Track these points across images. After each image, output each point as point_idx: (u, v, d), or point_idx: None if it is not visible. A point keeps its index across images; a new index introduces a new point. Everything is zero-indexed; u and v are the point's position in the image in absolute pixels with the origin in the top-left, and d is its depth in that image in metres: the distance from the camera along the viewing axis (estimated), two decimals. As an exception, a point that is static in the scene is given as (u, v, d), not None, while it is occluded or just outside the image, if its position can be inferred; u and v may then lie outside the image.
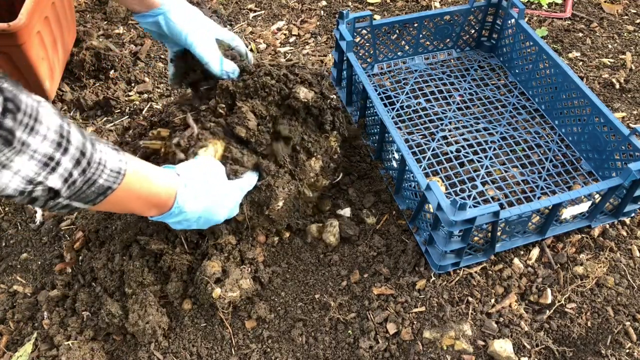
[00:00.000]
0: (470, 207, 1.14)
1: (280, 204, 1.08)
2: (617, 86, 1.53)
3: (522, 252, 1.17)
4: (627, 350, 1.03)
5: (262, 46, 1.69)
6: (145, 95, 1.54)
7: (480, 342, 1.04)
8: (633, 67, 1.60)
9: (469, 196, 1.23)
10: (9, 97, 0.59)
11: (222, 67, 1.08)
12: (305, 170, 1.12)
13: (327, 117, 1.14)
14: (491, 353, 1.02)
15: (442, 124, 1.39)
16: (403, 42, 1.53)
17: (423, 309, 1.07)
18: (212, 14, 1.73)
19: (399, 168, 1.16)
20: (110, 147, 0.75)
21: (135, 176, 0.78)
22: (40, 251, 1.21)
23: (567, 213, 1.11)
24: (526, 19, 1.78)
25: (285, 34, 1.74)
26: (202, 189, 0.92)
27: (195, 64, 1.11)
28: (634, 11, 1.82)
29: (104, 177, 0.72)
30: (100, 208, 0.77)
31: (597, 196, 1.11)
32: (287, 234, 1.19)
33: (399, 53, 1.54)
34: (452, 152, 1.32)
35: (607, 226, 1.21)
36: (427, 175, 1.27)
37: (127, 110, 1.50)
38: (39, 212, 1.27)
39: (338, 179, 1.28)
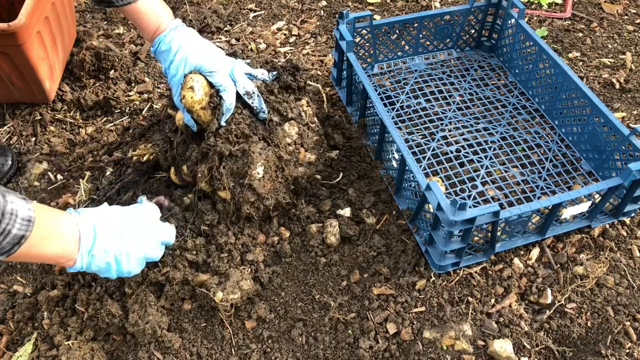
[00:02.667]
0: (470, 207, 1.14)
1: (260, 171, 1.08)
2: (617, 86, 1.53)
3: (522, 252, 1.17)
4: (627, 350, 1.03)
5: (262, 46, 1.69)
6: (145, 95, 1.54)
7: (480, 342, 1.04)
8: (633, 67, 1.60)
9: (469, 196, 1.23)
10: None
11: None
12: (278, 135, 1.13)
13: (287, 77, 1.19)
14: (491, 353, 1.02)
15: (442, 124, 1.39)
16: (403, 42, 1.53)
17: (423, 309, 1.07)
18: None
19: (399, 168, 1.16)
20: (19, 197, 0.78)
21: (44, 222, 0.81)
22: (40, 251, 1.21)
23: (567, 213, 1.11)
24: (526, 19, 1.78)
25: (285, 34, 1.74)
26: (113, 229, 0.93)
27: None
28: (634, 11, 1.82)
29: (17, 227, 0.75)
30: (16, 259, 0.79)
31: (597, 196, 1.11)
32: (287, 234, 1.19)
33: (399, 53, 1.54)
34: (452, 152, 1.32)
35: (607, 226, 1.21)
36: (427, 175, 1.27)
37: (127, 110, 1.50)
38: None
39: (338, 179, 1.28)
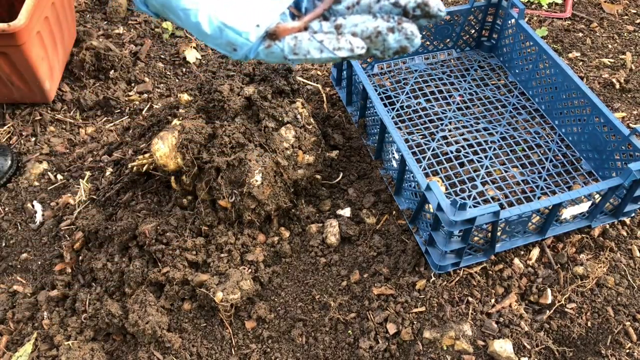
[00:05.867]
0: (470, 207, 1.14)
1: (258, 178, 1.08)
2: (617, 86, 1.53)
3: (522, 252, 1.17)
4: (627, 351, 1.03)
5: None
6: (145, 95, 1.54)
7: (480, 342, 1.04)
8: (633, 67, 1.60)
9: (469, 196, 1.23)
10: None
11: None
12: (274, 140, 1.13)
13: (279, 80, 1.21)
14: (491, 353, 1.02)
15: (442, 124, 1.39)
16: (403, 42, 1.53)
17: (423, 309, 1.07)
18: None
19: (399, 168, 1.16)
20: None
21: None
22: (40, 251, 1.21)
23: (567, 213, 1.11)
24: (526, 19, 1.78)
25: (285, 34, 1.74)
26: None
27: None
28: (634, 11, 1.82)
29: None
30: None
31: (597, 196, 1.11)
32: (287, 234, 1.19)
33: (399, 53, 1.54)
34: (452, 152, 1.32)
35: (607, 226, 1.21)
36: (427, 175, 1.27)
37: (127, 110, 1.50)
38: (39, 212, 1.27)
39: (338, 179, 1.28)
